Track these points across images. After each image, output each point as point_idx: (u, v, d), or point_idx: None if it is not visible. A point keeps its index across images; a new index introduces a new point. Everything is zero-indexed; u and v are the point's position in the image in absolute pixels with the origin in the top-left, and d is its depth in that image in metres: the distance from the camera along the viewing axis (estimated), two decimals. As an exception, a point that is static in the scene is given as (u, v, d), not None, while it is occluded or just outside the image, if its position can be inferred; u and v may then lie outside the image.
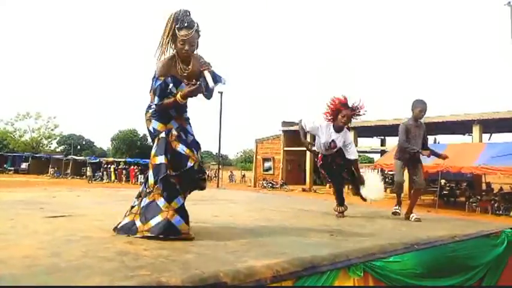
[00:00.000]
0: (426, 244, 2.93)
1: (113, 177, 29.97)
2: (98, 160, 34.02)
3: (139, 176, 28.46)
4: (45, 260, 1.98)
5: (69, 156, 38.35)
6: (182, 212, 2.68)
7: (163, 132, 2.79)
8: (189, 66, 2.83)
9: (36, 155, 39.02)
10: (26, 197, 5.17)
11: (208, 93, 2.91)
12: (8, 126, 45.87)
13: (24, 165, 36.95)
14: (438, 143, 23.07)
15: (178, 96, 2.75)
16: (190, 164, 2.74)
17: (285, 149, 28.21)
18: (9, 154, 40.13)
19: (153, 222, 2.63)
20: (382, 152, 24.39)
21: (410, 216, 4.37)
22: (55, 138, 50.73)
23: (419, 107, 4.45)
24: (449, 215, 8.03)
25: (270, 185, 27.18)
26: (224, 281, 1.80)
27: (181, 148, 2.77)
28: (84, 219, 3.39)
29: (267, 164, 29.72)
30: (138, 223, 2.68)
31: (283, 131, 28.43)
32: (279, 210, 4.78)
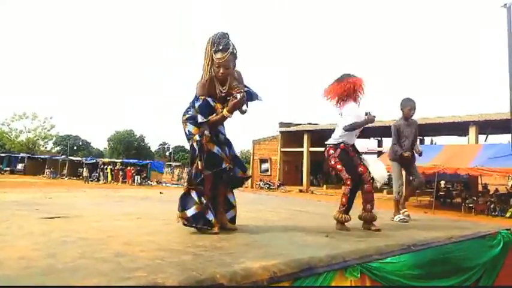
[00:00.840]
0: (423, 245, 2.93)
1: (109, 178, 29.87)
2: (94, 161, 33.90)
3: (136, 176, 28.42)
4: (41, 261, 1.97)
5: (66, 157, 38.23)
6: (209, 208, 2.98)
7: (197, 135, 2.98)
8: (225, 87, 3.05)
9: (33, 156, 38.84)
10: (21, 197, 5.15)
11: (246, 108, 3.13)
12: (4, 127, 45.75)
13: (20, 166, 36.76)
14: (435, 144, 23.20)
15: (225, 111, 2.98)
16: (224, 165, 3.00)
17: (282, 150, 28.22)
18: (5, 155, 39.93)
19: (189, 212, 2.91)
20: (379, 153, 24.43)
21: (403, 210, 4.35)
22: (51, 139, 50.63)
23: (409, 105, 4.44)
24: (446, 216, 8.07)
25: (267, 185, 27.18)
26: (221, 283, 1.80)
27: (216, 149, 3.01)
28: (80, 220, 3.38)
29: (264, 165, 29.72)
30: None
31: (281, 131, 28.45)
32: (275, 211, 4.77)
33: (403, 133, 4.46)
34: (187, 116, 3.08)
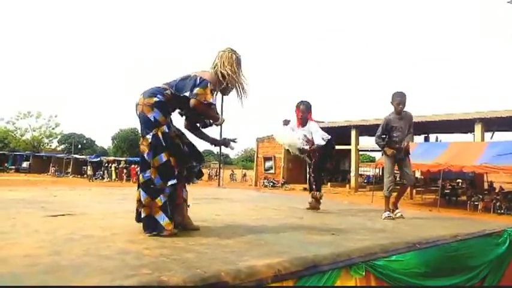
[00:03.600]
0: (428, 243, 2.92)
1: (113, 176, 29.98)
2: (98, 159, 34.02)
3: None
4: (46, 259, 1.97)
5: (70, 155, 38.39)
6: (166, 209, 2.69)
7: (165, 126, 2.76)
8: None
9: (37, 154, 39.09)
10: (26, 196, 5.17)
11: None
12: (9, 125, 46.00)
13: (25, 164, 37.02)
14: (440, 141, 23.06)
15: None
16: (194, 162, 2.94)
17: (286, 147, 28.17)
18: (10, 153, 40.18)
19: (141, 215, 2.75)
20: (384, 151, 24.28)
21: (395, 212, 4.32)
22: (56, 137, 50.81)
23: (397, 100, 4.36)
24: (451, 214, 8.02)
25: (271, 184, 27.19)
26: (225, 281, 1.79)
27: (182, 145, 2.90)
28: (85, 218, 3.39)
29: (268, 163, 29.71)
30: None
31: (285, 129, 28.38)
32: (280, 209, 4.77)
33: (394, 127, 4.41)
34: (155, 100, 2.75)
